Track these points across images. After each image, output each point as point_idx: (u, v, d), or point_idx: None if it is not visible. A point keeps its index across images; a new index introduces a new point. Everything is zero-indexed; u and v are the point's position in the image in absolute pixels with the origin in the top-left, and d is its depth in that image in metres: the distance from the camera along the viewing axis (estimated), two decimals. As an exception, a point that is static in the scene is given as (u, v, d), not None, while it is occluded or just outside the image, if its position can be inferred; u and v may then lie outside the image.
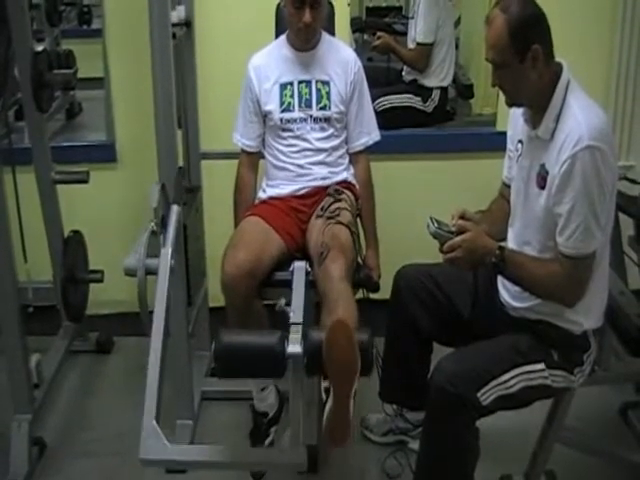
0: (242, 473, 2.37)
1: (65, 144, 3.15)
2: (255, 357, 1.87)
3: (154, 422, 1.93)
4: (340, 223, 2.35)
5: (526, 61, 1.86)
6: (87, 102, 3.62)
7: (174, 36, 2.37)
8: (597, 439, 2.35)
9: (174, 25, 2.40)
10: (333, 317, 1.99)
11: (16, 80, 2.54)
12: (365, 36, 3.77)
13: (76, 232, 2.87)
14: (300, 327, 1.91)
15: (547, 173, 1.90)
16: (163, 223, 2.22)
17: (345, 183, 2.58)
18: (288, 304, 2.02)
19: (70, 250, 2.81)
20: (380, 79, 3.41)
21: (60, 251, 2.78)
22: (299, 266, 2.29)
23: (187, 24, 2.62)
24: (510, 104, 2.00)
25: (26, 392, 2.45)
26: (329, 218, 2.37)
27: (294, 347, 1.86)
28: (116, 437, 2.61)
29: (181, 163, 2.64)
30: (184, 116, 2.74)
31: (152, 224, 2.17)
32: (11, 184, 2.45)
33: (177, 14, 2.52)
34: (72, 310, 2.83)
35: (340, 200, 2.47)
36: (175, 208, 2.28)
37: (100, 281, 2.90)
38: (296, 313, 1.99)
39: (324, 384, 1.94)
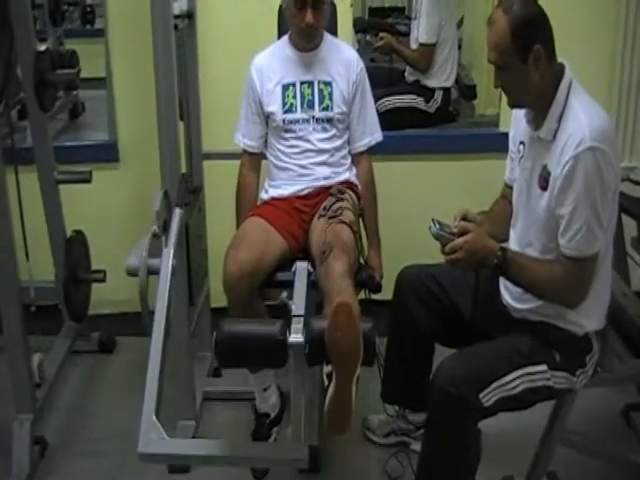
0: (244, 474, 2.37)
1: (68, 144, 3.16)
2: (256, 346, 1.85)
3: (154, 417, 1.92)
4: (342, 222, 2.34)
5: (528, 62, 1.85)
6: (90, 102, 3.64)
7: (176, 27, 2.36)
8: (599, 441, 2.35)
9: (176, 17, 2.40)
10: (334, 303, 1.96)
11: (19, 79, 2.54)
12: (368, 37, 3.77)
13: (78, 232, 2.87)
14: (302, 319, 1.90)
15: (549, 174, 1.90)
16: (165, 227, 2.22)
17: (347, 183, 2.57)
18: (290, 297, 2.02)
19: (72, 250, 2.82)
20: (383, 79, 3.41)
21: (62, 251, 2.78)
22: (301, 266, 2.29)
23: (189, 16, 2.61)
24: (512, 105, 2.00)
25: (28, 392, 2.45)
26: (331, 217, 2.37)
27: (296, 336, 1.85)
28: (118, 437, 2.61)
29: (184, 169, 2.62)
30: (186, 115, 2.74)
31: (154, 227, 2.17)
32: (14, 183, 2.46)
33: (179, 5, 2.51)
34: (74, 310, 2.83)
35: (342, 200, 2.46)
36: (178, 211, 2.28)
37: (102, 281, 2.90)
38: (298, 305, 1.98)
39: (326, 369, 1.93)
